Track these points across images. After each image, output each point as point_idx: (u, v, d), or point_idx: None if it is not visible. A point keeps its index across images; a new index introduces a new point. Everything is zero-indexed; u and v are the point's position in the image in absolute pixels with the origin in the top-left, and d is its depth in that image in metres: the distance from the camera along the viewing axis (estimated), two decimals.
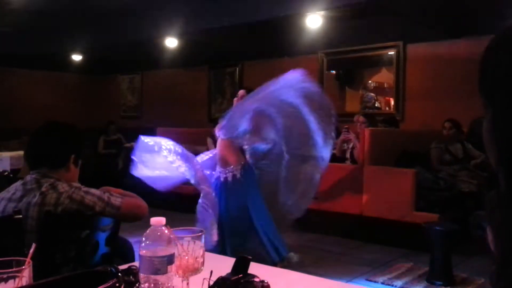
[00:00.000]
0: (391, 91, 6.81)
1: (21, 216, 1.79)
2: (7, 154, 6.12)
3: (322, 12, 5.25)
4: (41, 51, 7.72)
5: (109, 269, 0.84)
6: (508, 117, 0.43)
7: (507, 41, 0.46)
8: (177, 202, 5.23)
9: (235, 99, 4.24)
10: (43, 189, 1.85)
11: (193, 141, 6.96)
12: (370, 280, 3.71)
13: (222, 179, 4.09)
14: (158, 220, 1.08)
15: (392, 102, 6.87)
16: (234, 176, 4.03)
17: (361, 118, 5.70)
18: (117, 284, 0.81)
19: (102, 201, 1.89)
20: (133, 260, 2.13)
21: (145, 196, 2.12)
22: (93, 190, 1.92)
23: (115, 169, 8.01)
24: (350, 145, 5.45)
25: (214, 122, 6.94)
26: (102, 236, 1.93)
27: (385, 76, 7.16)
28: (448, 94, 5.96)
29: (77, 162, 2.02)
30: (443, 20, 5.55)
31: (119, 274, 0.84)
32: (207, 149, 6.40)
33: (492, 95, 0.46)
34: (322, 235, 5.07)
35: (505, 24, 0.49)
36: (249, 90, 4.20)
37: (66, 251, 1.82)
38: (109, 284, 0.73)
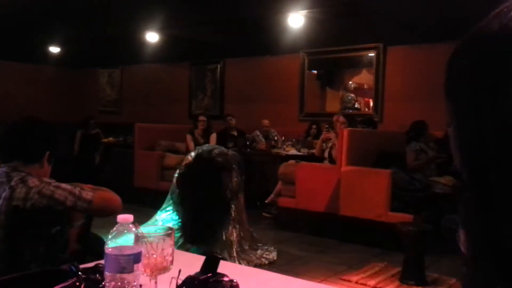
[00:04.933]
0: (371, 92, 6.87)
1: None
2: None
3: (304, 12, 5.26)
4: (18, 42, 7.55)
5: (69, 267, 0.82)
6: (469, 124, 0.43)
7: (471, 45, 0.46)
8: (153, 199, 5.17)
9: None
10: (13, 183, 1.81)
11: (173, 137, 6.89)
12: (345, 280, 3.74)
13: None
14: (125, 218, 1.06)
15: (371, 103, 6.93)
16: None
17: (342, 119, 5.71)
18: (77, 283, 0.79)
19: (73, 195, 1.86)
20: None
21: (120, 192, 2.08)
22: (63, 185, 1.89)
23: (92, 164, 7.90)
24: (329, 145, 5.48)
25: (194, 118, 6.91)
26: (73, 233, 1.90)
27: (365, 77, 7.22)
28: (427, 97, 6.04)
29: (51, 159, 2.00)
30: (424, 23, 5.62)
31: (79, 273, 0.82)
32: (186, 146, 6.35)
33: (455, 99, 0.46)
34: (298, 233, 5.09)
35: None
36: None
37: (35, 247, 1.79)
38: (68, 284, 0.71)
